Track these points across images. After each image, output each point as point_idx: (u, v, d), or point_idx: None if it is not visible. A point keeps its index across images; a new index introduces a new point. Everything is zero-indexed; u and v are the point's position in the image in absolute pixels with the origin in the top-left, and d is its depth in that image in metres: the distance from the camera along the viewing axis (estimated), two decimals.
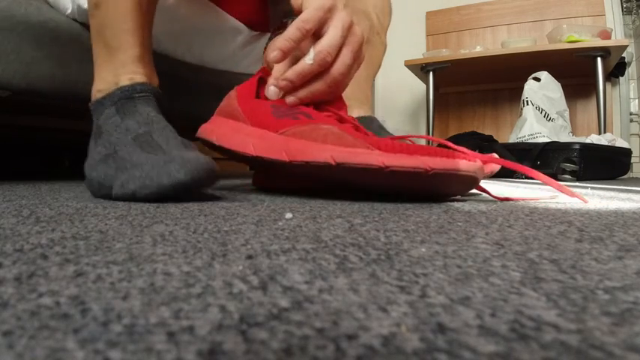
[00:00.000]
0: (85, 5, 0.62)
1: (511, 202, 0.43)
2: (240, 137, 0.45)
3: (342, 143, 0.39)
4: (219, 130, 0.48)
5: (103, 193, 0.42)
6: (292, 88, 0.45)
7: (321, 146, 0.39)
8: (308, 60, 0.43)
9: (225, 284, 0.14)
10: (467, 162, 0.38)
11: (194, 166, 0.37)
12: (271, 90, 0.47)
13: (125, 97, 0.47)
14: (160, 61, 0.79)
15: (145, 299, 0.12)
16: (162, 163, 0.37)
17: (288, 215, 0.29)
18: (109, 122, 0.46)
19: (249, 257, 0.17)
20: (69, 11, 0.64)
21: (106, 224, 0.25)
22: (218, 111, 0.52)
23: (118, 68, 0.49)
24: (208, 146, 0.50)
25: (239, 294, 0.13)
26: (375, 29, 0.71)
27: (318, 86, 0.45)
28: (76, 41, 0.64)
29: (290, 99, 0.46)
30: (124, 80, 0.48)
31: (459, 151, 0.44)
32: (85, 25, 0.65)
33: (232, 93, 0.51)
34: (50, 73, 0.62)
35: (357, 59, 0.46)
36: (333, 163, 0.38)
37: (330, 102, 0.48)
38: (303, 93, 0.46)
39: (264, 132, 0.44)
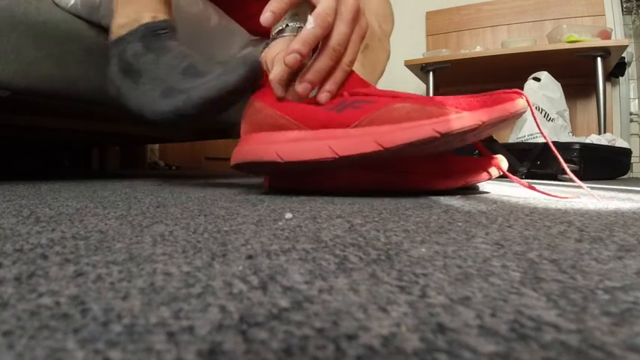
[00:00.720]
0: None
1: (511, 202, 0.43)
2: (308, 144, 0.40)
3: (430, 115, 0.38)
4: (275, 146, 0.42)
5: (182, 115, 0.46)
6: (302, 58, 0.42)
7: (415, 123, 0.38)
8: (309, 25, 0.42)
9: (225, 284, 0.14)
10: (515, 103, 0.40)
11: (251, 62, 0.44)
12: (275, 74, 0.44)
13: (150, 34, 0.49)
14: None
15: (145, 299, 0.12)
16: (222, 71, 0.44)
17: (288, 215, 0.29)
18: (142, 60, 0.48)
19: (249, 257, 0.17)
20: (71, 4, 0.64)
21: (106, 224, 0.25)
22: (250, 127, 0.46)
23: (140, 5, 0.51)
24: (262, 170, 0.45)
25: (239, 294, 0.13)
26: (377, 36, 0.71)
27: (319, 62, 0.43)
28: (75, 41, 0.64)
29: (320, 97, 0.44)
30: (147, 17, 0.50)
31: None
32: (86, 21, 0.65)
33: (257, 104, 0.46)
34: (50, 73, 0.62)
35: (355, 26, 0.45)
36: (438, 135, 0.37)
37: (348, 86, 0.45)
38: (309, 74, 0.43)
39: (334, 131, 0.41)
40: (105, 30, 0.67)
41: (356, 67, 0.63)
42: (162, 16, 0.51)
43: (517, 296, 0.13)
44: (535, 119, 0.45)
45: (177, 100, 0.46)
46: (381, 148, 0.38)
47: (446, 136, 0.37)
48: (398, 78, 2.24)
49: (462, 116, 0.38)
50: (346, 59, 0.45)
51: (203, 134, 1.32)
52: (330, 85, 0.44)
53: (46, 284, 0.14)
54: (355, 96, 0.43)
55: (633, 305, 0.12)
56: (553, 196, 0.47)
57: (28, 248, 0.19)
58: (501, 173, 0.49)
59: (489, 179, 0.48)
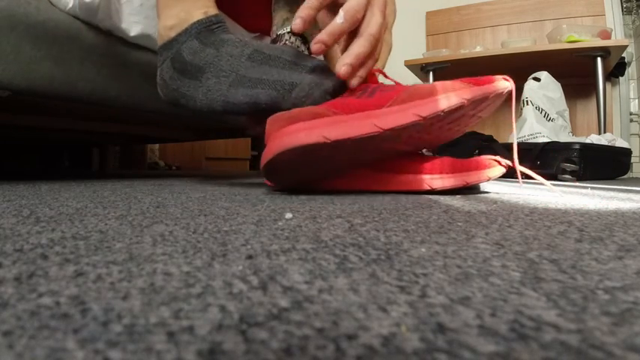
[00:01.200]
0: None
1: (511, 202, 0.43)
2: (352, 124, 0.42)
3: (454, 88, 0.44)
4: (316, 130, 0.42)
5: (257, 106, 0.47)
6: (325, 48, 0.46)
7: (442, 95, 0.43)
8: (338, 19, 0.44)
9: (225, 284, 0.14)
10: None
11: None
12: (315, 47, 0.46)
13: (205, 30, 0.49)
14: None
15: (145, 299, 0.12)
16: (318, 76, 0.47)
17: (288, 215, 0.29)
18: (202, 55, 0.48)
19: (249, 257, 0.17)
20: (70, 6, 0.64)
21: (106, 224, 0.25)
22: (284, 122, 0.44)
23: (188, 4, 0.50)
24: (303, 160, 0.43)
25: (239, 294, 0.13)
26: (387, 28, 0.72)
27: (359, 47, 0.46)
28: (75, 41, 0.64)
29: (353, 81, 0.47)
30: (198, 14, 0.50)
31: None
32: (85, 22, 0.65)
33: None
34: (50, 73, 0.62)
35: (384, 18, 0.47)
36: (465, 101, 0.42)
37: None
38: (349, 58, 0.46)
39: (372, 111, 0.44)
40: (104, 32, 0.67)
41: None
42: (212, 10, 0.51)
43: (517, 296, 0.13)
44: (512, 106, 0.51)
45: (254, 91, 0.46)
46: (419, 118, 0.42)
47: (473, 101, 0.43)
48: (398, 78, 2.24)
49: (485, 85, 0.44)
50: (378, 48, 0.48)
51: (203, 134, 1.32)
52: (363, 71, 0.47)
53: (46, 284, 0.14)
54: (374, 84, 0.47)
55: (633, 305, 0.12)
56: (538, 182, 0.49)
57: (28, 248, 0.19)
58: (504, 172, 0.49)
59: (489, 180, 0.48)
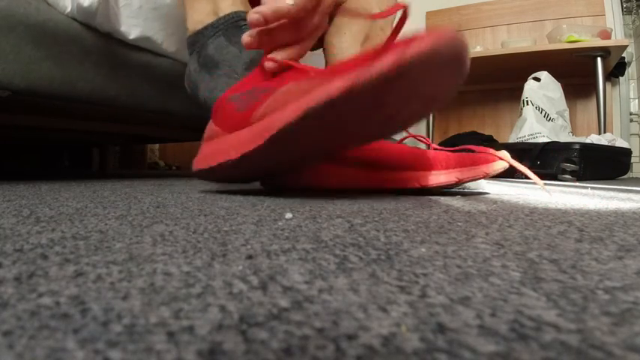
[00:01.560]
0: (85, 4, 0.62)
1: (511, 202, 0.43)
2: (218, 149, 0.43)
3: (302, 93, 0.35)
4: (200, 157, 0.46)
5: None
6: (262, 25, 0.42)
7: (286, 108, 0.36)
8: (289, 1, 0.41)
9: (225, 284, 0.14)
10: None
11: None
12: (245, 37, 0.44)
13: (231, 25, 0.48)
14: (164, 63, 0.79)
15: (145, 299, 0.12)
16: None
17: (288, 215, 0.29)
18: (224, 52, 0.48)
19: (249, 257, 0.17)
20: (68, 10, 0.64)
21: (106, 224, 0.25)
22: (203, 140, 0.49)
23: None
24: (207, 177, 0.48)
25: (239, 294, 0.13)
26: (378, 24, 0.68)
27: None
28: (75, 41, 0.64)
29: (266, 64, 0.43)
30: (225, 9, 0.49)
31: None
32: (84, 25, 0.65)
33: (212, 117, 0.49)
34: (50, 73, 0.62)
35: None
36: (301, 114, 0.32)
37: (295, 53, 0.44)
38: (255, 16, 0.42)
39: (239, 132, 0.42)
40: (103, 33, 0.67)
41: None
42: (241, 6, 0.50)
43: (517, 296, 0.13)
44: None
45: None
46: (261, 142, 0.36)
47: (311, 110, 0.32)
48: None
49: (326, 84, 0.32)
50: (311, 32, 0.45)
51: (203, 134, 1.31)
52: (281, 54, 0.44)
53: (46, 284, 0.14)
54: (270, 80, 0.42)
55: (633, 305, 0.12)
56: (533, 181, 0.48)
57: (28, 248, 0.19)
58: (504, 169, 0.48)
59: (486, 177, 0.46)
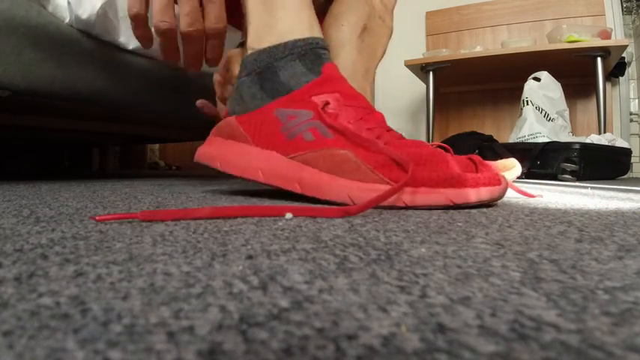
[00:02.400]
0: (84, 16, 0.62)
1: (511, 202, 0.43)
2: (247, 162, 0.42)
3: (359, 177, 0.36)
4: (221, 154, 0.44)
5: None
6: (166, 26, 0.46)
7: (337, 182, 0.37)
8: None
9: (225, 284, 0.14)
10: (480, 190, 0.35)
11: None
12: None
13: (311, 52, 0.42)
14: (162, 67, 0.79)
15: (145, 299, 0.12)
16: None
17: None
18: (302, 80, 0.41)
19: (249, 257, 0.17)
20: (67, 20, 0.64)
21: (106, 224, 0.25)
22: (216, 131, 0.47)
23: (290, 16, 0.43)
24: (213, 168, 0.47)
25: (239, 294, 0.13)
26: (377, 13, 0.62)
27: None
28: (76, 45, 0.64)
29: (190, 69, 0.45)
30: (302, 32, 0.43)
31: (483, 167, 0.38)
32: (84, 33, 0.65)
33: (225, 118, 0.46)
34: (50, 74, 0.62)
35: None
36: (351, 202, 0.36)
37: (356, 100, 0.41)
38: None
39: (272, 155, 0.41)
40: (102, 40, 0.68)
41: (353, 55, 0.60)
42: (318, 32, 0.44)
43: (517, 296, 0.13)
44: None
45: None
46: (299, 191, 0.39)
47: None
48: (398, 78, 2.24)
49: (387, 192, 0.32)
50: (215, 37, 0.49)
51: (203, 134, 1.31)
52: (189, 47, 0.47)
53: (46, 284, 0.14)
54: (325, 115, 0.39)
55: (633, 305, 0.12)
56: (523, 193, 0.49)
57: (28, 248, 0.19)
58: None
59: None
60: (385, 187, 0.35)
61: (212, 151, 0.45)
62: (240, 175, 0.42)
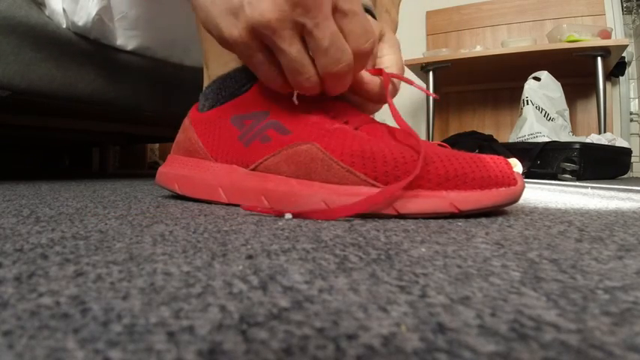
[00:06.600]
0: (80, 23, 0.62)
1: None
2: (207, 181, 0.37)
3: (331, 177, 0.31)
4: (178, 175, 0.40)
5: None
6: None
7: (308, 189, 0.31)
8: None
9: (225, 284, 0.14)
10: (497, 191, 0.29)
11: None
12: None
13: None
14: (162, 66, 0.79)
15: (145, 299, 0.12)
16: None
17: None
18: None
19: (249, 257, 0.17)
20: (64, 26, 0.64)
21: (106, 224, 0.25)
22: (175, 147, 0.43)
23: None
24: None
25: (239, 294, 0.13)
26: (384, 6, 0.59)
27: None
28: (75, 45, 0.64)
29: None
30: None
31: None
32: (82, 37, 0.65)
33: (186, 121, 0.42)
34: (50, 73, 0.62)
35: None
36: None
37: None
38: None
39: (233, 169, 0.36)
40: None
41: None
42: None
43: (517, 296, 0.13)
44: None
45: None
46: (271, 212, 0.31)
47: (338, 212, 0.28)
48: None
49: (368, 194, 0.28)
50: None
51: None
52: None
53: (46, 284, 0.14)
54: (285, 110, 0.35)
55: (633, 305, 0.12)
56: None
57: (28, 248, 0.19)
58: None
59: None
60: (366, 190, 0.29)
61: (170, 171, 0.41)
62: (201, 197, 0.38)
